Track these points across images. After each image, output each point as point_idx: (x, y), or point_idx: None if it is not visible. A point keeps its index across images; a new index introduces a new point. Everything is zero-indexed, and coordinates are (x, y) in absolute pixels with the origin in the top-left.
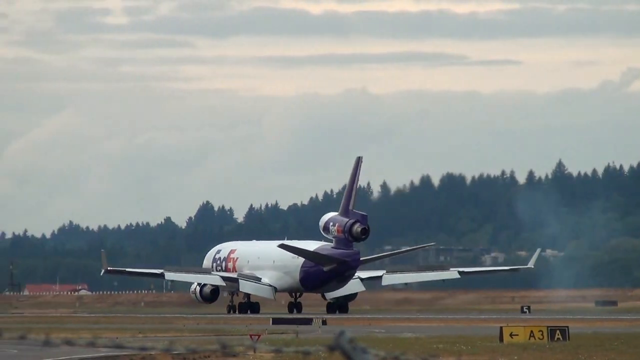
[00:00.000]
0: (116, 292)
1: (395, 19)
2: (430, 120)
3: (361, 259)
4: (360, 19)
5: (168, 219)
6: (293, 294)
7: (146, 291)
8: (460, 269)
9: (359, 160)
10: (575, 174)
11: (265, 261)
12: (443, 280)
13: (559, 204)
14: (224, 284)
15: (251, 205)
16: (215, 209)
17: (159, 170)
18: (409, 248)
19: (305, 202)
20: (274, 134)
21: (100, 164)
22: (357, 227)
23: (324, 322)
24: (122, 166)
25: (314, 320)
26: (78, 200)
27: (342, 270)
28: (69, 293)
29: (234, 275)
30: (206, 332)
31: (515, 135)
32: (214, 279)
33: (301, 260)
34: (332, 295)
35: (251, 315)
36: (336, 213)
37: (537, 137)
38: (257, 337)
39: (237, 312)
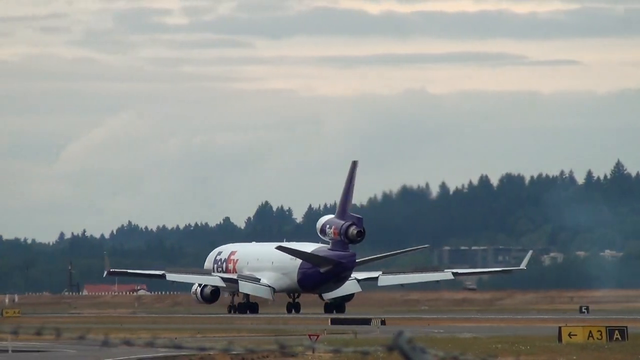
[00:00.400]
0: (175, 293)
1: (454, 19)
2: (489, 120)
3: (356, 260)
4: (419, 19)
5: (227, 219)
6: (291, 294)
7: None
8: (454, 270)
9: (354, 165)
10: (633, 174)
11: (264, 262)
12: (437, 281)
13: (617, 204)
14: (224, 285)
15: (310, 205)
16: (274, 209)
17: (217, 170)
18: (401, 250)
19: (364, 202)
20: (333, 134)
21: (159, 164)
22: (353, 230)
23: (383, 322)
24: (181, 166)
25: (372, 320)
26: (137, 200)
27: (339, 272)
28: (128, 293)
29: (233, 276)
30: (264, 332)
31: (574, 135)
32: (214, 280)
33: (299, 261)
34: (329, 295)
35: (250, 315)
36: (333, 215)
37: (595, 137)
38: (315, 337)
39: (236, 312)
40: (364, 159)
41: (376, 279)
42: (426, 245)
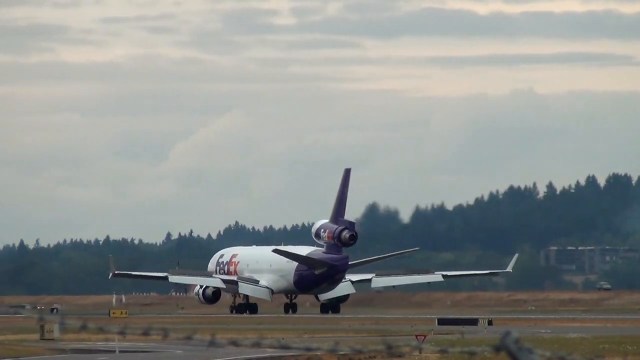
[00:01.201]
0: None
1: (562, 19)
2: (596, 120)
3: (349, 262)
4: (526, 19)
5: None
6: (288, 295)
7: None
8: (444, 272)
9: (347, 172)
10: None
11: (263, 265)
12: (428, 283)
13: None
14: (224, 286)
15: (417, 206)
16: (381, 209)
17: (325, 170)
18: (393, 253)
19: (471, 202)
20: (441, 134)
21: (267, 164)
22: (346, 234)
23: (490, 323)
24: (289, 167)
25: (479, 320)
26: (244, 200)
27: (333, 274)
28: None
29: (233, 278)
30: (371, 332)
31: None
32: (215, 282)
33: (295, 264)
34: (325, 296)
35: (252, 316)
36: (327, 220)
37: None
38: (422, 337)
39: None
40: (472, 159)
41: (370, 280)
42: (416, 248)
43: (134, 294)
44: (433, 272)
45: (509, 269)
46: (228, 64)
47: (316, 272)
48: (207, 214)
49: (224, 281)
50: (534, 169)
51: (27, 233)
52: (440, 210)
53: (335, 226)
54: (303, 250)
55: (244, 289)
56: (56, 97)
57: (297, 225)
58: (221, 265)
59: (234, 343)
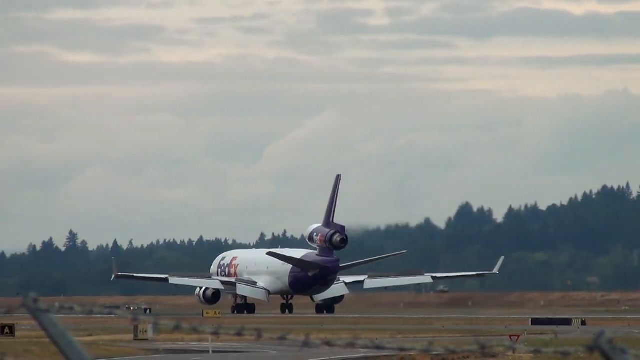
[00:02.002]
0: (375, 293)
1: None
2: None
3: (341, 265)
4: (621, 19)
5: (427, 220)
6: (284, 296)
7: (406, 292)
8: (433, 274)
9: (338, 178)
10: None
11: (260, 267)
12: (418, 284)
13: None
14: (223, 288)
15: (510, 206)
16: (475, 209)
17: (418, 170)
18: (382, 256)
19: (565, 202)
20: (535, 134)
21: (360, 164)
22: (337, 237)
23: (583, 323)
24: (382, 167)
25: (573, 320)
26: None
27: (325, 275)
28: None
29: (232, 279)
30: (464, 332)
31: None
32: (214, 283)
33: (290, 266)
34: (320, 297)
35: (250, 315)
36: (320, 224)
37: None
38: (516, 337)
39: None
40: (565, 159)
41: (362, 282)
42: (403, 251)
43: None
44: (423, 274)
45: (496, 270)
46: (322, 64)
47: (309, 274)
48: (300, 214)
49: (223, 283)
50: (627, 169)
51: (121, 233)
52: (533, 211)
53: (327, 230)
54: (298, 253)
55: (242, 290)
56: (152, 98)
57: (390, 225)
58: (222, 268)
59: (328, 343)
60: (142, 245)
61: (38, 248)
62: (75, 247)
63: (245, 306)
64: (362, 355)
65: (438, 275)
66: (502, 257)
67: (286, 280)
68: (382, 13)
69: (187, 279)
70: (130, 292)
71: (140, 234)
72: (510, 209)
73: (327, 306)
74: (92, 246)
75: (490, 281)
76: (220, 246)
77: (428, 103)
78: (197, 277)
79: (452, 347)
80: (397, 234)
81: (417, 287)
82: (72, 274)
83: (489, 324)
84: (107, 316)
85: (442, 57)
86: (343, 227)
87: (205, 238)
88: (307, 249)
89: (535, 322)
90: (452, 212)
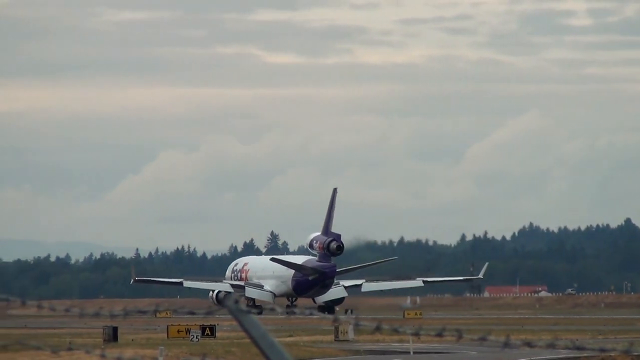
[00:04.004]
0: (575, 294)
1: None
2: None
3: (337, 270)
4: None
5: (628, 220)
6: (289, 298)
7: (606, 292)
8: (424, 279)
9: (335, 191)
10: None
11: (267, 272)
12: (410, 287)
13: None
14: (233, 291)
15: None
16: None
17: (620, 171)
18: (373, 262)
19: None
20: None
21: (562, 165)
22: (334, 244)
23: None
24: (583, 168)
25: None
26: (539, 201)
27: (323, 279)
28: (529, 295)
29: (241, 283)
30: None
31: None
32: (225, 287)
33: (292, 271)
34: (321, 299)
35: (258, 317)
36: (319, 233)
37: None
38: None
39: None
40: None
41: (360, 286)
42: (394, 257)
43: (428, 295)
44: (415, 278)
45: (480, 275)
46: (525, 65)
47: (310, 278)
48: (502, 215)
49: (233, 286)
50: None
51: None
52: None
53: (325, 237)
54: (299, 259)
55: (251, 293)
56: (353, 99)
57: (590, 226)
58: (235, 272)
59: (529, 344)
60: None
61: (239, 249)
62: (276, 248)
63: (254, 307)
64: (562, 356)
65: (428, 279)
66: (487, 264)
67: (290, 283)
68: (585, 14)
69: (199, 282)
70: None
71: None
72: None
73: (328, 308)
74: (293, 247)
75: None
76: (421, 246)
77: (630, 104)
78: (210, 281)
79: None
80: (597, 235)
81: (618, 288)
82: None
83: None
84: (308, 317)
85: None
86: (339, 235)
87: (406, 239)
88: (300, 255)
89: None
90: None
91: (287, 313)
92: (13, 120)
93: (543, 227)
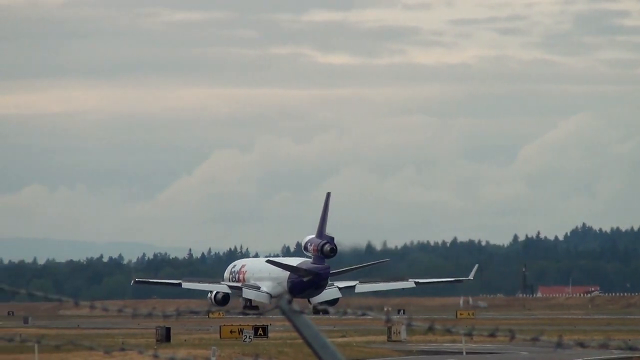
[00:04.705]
0: (629, 294)
1: None
2: None
3: (331, 272)
4: None
5: None
6: None
7: None
8: (416, 280)
9: (328, 196)
10: None
11: (264, 273)
12: (402, 288)
13: None
14: (230, 292)
15: None
16: None
17: None
18: (364, 264)
19: None
20: None
21: (614, 165)
22: (327, 247)
23: None
24: (636, 168)
25: None
26: (591, 202)
27: (317, 280)
28: (581, 295)
29: (238, 284)
30: None
31: None
32: (223, 288)
33: (288, 272)
34: (316, 300)
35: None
36: (313, 236)
37: None
38: None
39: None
40: None
41: (354, 287)
42: (387, 260)
43: (481, 295)
44: (407, 280)
45: (470, 277)
46: (578, 65)
47: (304, 279)
48: (554, 215)
49: (231, 287)
50: None
51: (374, 235)
52: None
53: (319, 240)
54: (294, 261)
55: (248, 294)
56: (406, 99)
57: None
58: (234, 274)
59: (581, 344)
60: (395, 247)
61: (292, 249)
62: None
63: (250, 308)
64: (615, 356)
65: (420, 280)
66: (477, 265)
67: (285, 285)
68: (638, 14)
69: (198, 283)
70: (382, 293)
71: (393, 235)
72: None
73: (323, 308)
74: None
75: None
76: (474, 247)
77: None
78: (208, 282)
79: None
80: None
81: None
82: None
83: None
84: (360, 317)
85: None
86: (332, 238)
87: (459, 239)
88: (295, 257)
89: None
90: None
91: (338, 313)
92: (68, 121)
93: (595, 227)
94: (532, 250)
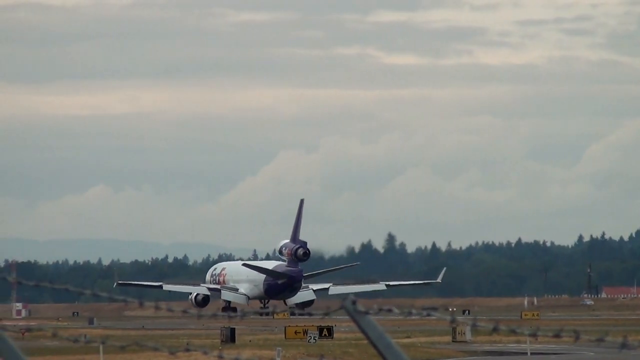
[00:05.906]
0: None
1: None
2: None
3: (304, 274)
4: None
5: None
6: (261, 300)
7: None
8: (386, 282)
9: (302, 202)
10: None
11: (242, 276)
12: (374, 290)
13: None
14: (210, 293)
15: None
16: None
17: None
18: (336, 267)
19: None
20: None
21: None
22: (300, 251)
23: None
24: None
25: None
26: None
27: (291, 283)
28: None
29: (217, 286)
30: None
31: None
32: (202, 290)
33: (264, 275)
34: (292, 301)
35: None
36: (288, 240)
37: None
38: None
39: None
40: None
41: (327, 289)
42: (357, 263)
43: (546, 296)
44: (378, 282)
45: (439, 279)
46: None
47: (279, 281)
48: (620, 216)
49: (210, 289)
50: None
51: (439, 235)
52: None
53: (293, 244)
54: (270, 264)
55: (226, 295)
56: (472, 100)
57: None
58: (214, 277)
59: None
60: (460, 247)
61: (357, 250)
62: (393, 249)
63: (229, 309)
64: None
65: (390, 283)
66: (445, 268)
67: (262, 287)
68: None
69: (179, 285)
70: (447, 293)
71: (458, 236)
72: None
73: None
74: (410, 248)
75: None
76: (539, 248)
77: None
78: (189, 284)
79: None
80: None
81: None
82: (390, 276)
83: None
84: (425, 318)
85: None
86: (305, 243)
87: (523, 240)
88: (270, 260)
89: None
90: None
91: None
92: (134, 122)
93: None
94: (597, 250)
